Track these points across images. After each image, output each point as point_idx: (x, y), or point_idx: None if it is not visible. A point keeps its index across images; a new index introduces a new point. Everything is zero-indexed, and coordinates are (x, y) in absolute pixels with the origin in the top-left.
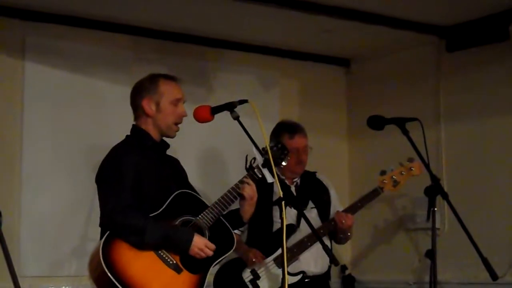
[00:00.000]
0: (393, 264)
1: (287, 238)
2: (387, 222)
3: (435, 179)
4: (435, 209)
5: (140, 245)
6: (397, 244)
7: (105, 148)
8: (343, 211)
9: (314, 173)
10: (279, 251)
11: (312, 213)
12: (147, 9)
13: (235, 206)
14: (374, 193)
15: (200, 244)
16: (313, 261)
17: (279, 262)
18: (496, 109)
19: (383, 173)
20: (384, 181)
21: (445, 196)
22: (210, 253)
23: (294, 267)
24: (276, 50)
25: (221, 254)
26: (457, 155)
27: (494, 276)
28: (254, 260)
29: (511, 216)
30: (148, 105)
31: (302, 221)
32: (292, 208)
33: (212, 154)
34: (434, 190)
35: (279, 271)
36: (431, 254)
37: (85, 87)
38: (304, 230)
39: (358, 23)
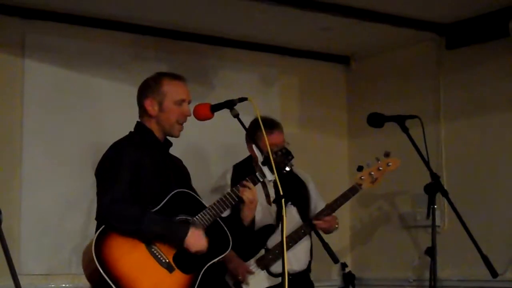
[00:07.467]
0: (393, 261)
1: (266, 238)
2: (387, 220)
3: (435, 177)
4: (435, 206)
5: (135, 233)
6: (397, 241)
7: (105, 146)
8: (320, 212)
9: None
10: (262, 252)
11: (292, 211)
12: (146, 7)
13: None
14: (352, 191)
15: (194, 242)
16: (294, 259)
17: (261, 263)
18: (496, 106)
19: (360, 169)
20: (362, 177)
21: (445, 194)
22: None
23: (276, 267)
24: (276, 47)
25: (216, 255)
26: (457, 153)
27: (494, 273)
28: (240, 277)
29: (511, 213)
30: (151, 106)
31: None
32: (271, 206)
33: (215, 150)
34: (434, 188)
35: (262, 273)
36: (431, 251)
37: (85, 85)
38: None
39: (358, 20)
